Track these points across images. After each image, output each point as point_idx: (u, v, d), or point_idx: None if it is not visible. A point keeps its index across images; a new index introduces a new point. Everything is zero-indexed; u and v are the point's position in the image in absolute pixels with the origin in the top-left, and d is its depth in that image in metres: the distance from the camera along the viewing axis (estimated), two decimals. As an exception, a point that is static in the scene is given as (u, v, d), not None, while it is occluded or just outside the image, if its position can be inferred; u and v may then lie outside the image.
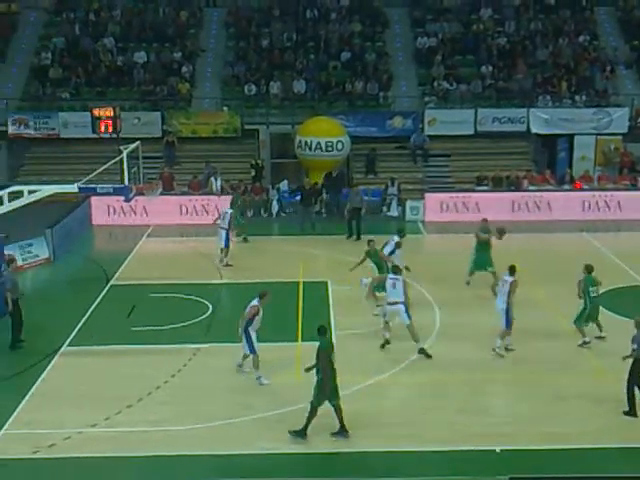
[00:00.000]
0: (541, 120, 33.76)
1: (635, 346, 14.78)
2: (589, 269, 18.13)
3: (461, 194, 29.95)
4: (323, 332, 14.40)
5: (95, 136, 23.83)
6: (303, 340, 18.30)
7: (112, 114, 22.00)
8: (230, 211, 24.56)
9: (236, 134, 34.20)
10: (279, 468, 13.23)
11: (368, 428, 14.43)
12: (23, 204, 20.30)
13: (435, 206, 29.59)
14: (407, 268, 20.06)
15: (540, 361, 17.21)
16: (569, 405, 15.28)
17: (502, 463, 13.29)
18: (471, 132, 33.90)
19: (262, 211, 30.67)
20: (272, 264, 23.90)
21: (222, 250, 24.06)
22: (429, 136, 33.65)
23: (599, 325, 18.30)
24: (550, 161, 34.15)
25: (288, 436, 13.94)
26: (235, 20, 38.94)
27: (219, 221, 24.49)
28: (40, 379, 16.53)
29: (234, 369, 16.73)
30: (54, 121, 33.86)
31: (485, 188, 31.18)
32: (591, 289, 17.94)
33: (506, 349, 17.58)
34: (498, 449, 13.70)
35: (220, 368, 16.96)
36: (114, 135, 22.78)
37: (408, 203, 29.97)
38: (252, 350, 16.18)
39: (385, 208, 30.69)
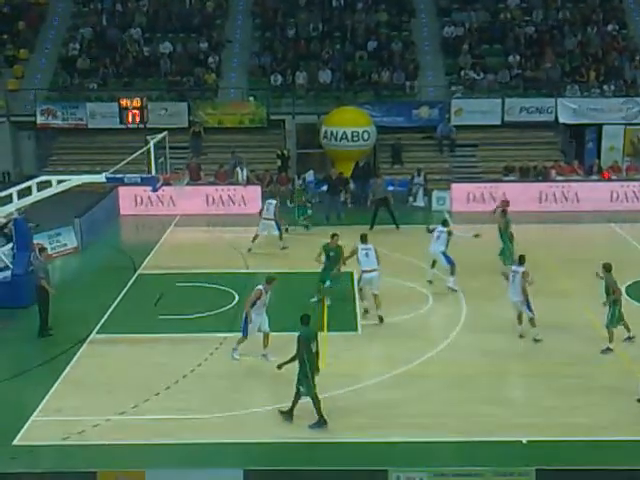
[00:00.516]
0: (569, 110, 33.49)
1: None
2: (608, 268, 17.28)
3: (488, 184, 29.77)
4: (306, 321, 14.46)
5: (122, 126, 24.01)
6: (328, 330, 18.34)
7: (139, 104, 22.13)
8: (274, 202, 24.52)
9: (262, 124, 34.25)
10: (301, 457, 13.28)
11: (392, 418, 14.46)
12: (52, 194, 20.47)
13: (462, 196, 29.46)
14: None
15: (566, 352, 17.12)
16: (596, 396, 15.19)
17: (528, 454, 13.25)
18: (498, 122, 33.69)
19: (288, 201, 30.68)
20: (297, 254, 23.92)
21: (280, 237, 24.51)
22: (456, 126, 33.50)
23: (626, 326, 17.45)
24: (578, 151, 33.90)
25: (308, 425, 14.01)
26: (261, 10, 38.96)
27: (264, 213, 24.49)
28: (69, 367, 16.71)
29: (259, 359, 16.81)
30: (82, 111, 34.11)
31: (512, 178, 30.99)
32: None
33: (535, 340, 17.49)
34: (524, 440, 13.67)
35: (246, 357, 17.04)
36: (141, 125, 22.93)
37: (434, 193, 29.86)
38: (244, 332, 16.65)
39: (411, 198, 30.61)
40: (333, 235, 20.22)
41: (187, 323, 18.85)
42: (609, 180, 30.62)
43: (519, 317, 17.86)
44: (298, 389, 14.17)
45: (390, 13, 38.32)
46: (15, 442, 13.83)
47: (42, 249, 19.91)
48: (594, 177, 30.97)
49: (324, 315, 19.31)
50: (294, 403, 14.25)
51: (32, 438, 13.96)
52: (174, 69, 35.97)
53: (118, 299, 20.54)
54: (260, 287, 16.59)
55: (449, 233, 20.82)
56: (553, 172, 30.93)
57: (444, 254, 20.67)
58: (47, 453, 13.58)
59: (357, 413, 14.63)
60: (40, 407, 14.95)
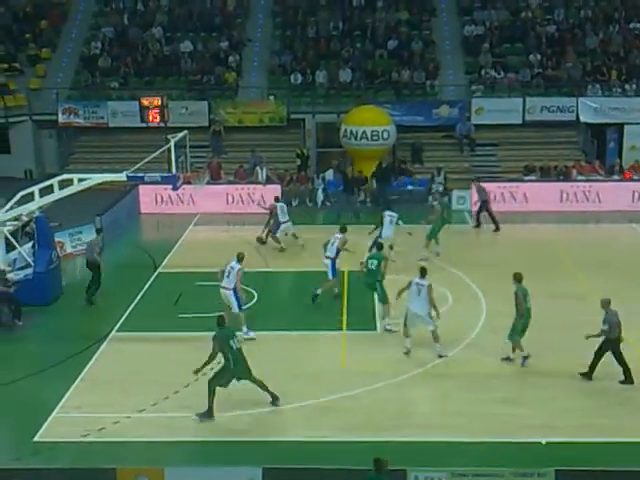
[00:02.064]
0: (590, 109, 33.28)
1: (605, 327, 15.32)
2: (519, 278, 16.58)
3: (509, 184, 29.64)
4: (221, 323, 14.76)
5: (143, 125, 24.07)
6: (348, 329, 18.36)
7: (160, 103, 22.17)
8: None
9: (282, 123, 34.27)
10: (319, 455, 13.30)
11: (410, 417, 14.48)
12: (73, 192, 20.60)
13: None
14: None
15: (586, 353, 17.00)
16: (615, 397, 15.13)
17: (548, 455, 13.21)
18: (519, 121, 33.53)
19: (307, 200, 30.74)
20: (316, 253, 23.91)
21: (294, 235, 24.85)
22: (476, 125, 33.37)
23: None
24: (599, 151, 33.68)
25: (332, 425, 14.03)
26: (282, 9, 39.02)
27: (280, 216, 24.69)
28: (90, 364, 16.84)
29: (279, 357, 16.87)
30: (103, 110, 34.30)
31: (533, 178, 30.85)
32: (527, 298, 16.46)
33: (440, 356, 16.82)
34: (544, 441, 13.63)
35: (265, 356, 17.06)
36: (162, 124, 22.98)
37: (455, 192, 29.79)
38: (241, 308, 17.86)
39: (431, 198, 30.51)
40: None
41: (207, 322, 18.87)
42: (631, 180, 30.41)
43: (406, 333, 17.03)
44: (209, 385, 14.48)
45: (411, 12, 38.24)
46: (36, 438, 13.97)
47: (99, 230, 21.91)
48: (615, 177, 30.77)
49: (343, 314, 19.32)
50: (211, 401, 14.51)
51: (53, 435, 14.09)
52: (195, 68, 36.09)
53: (138, 297, 20.65)
54: (239, 266, 17.96)
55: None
56: (574, 172, 30.76)
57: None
58: (67, 450, 13.69)
59: (376, 412, 14.65)
60: (61, 404, 15.09)
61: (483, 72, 35.16)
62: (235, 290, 17.94)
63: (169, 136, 20.80)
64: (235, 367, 14.45)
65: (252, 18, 39.35)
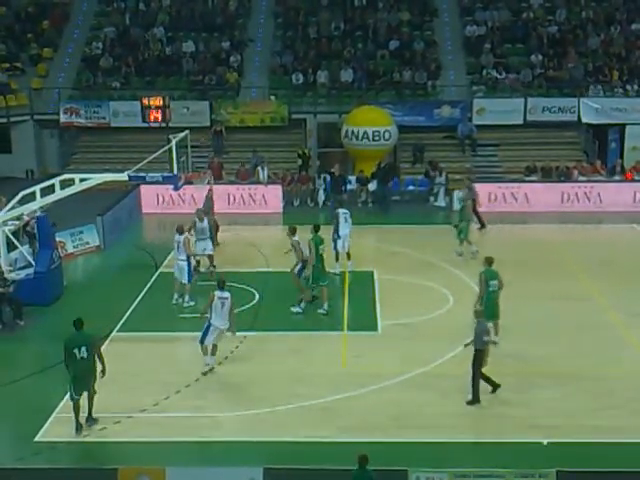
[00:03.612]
0: (592, 110, 33.26)
1: (486, 338, 14.93)
2: (489, 261, 17.24)
3: (510, 184, 29.62)
4: (78, 326, 14.34)
5: (145, 125, 24.09)
6: (349, 330, 18.36)
7: (161, 103, 22.17)
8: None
9: (283, 123, 34.27)
10: (320, 456, 13.30)
11: (412, 418, 14.47)
12: (74, 192, 20.61)
13: (483, 196, 29.28)
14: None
15: (589, 354, 17.03)
16: (618, 399, 15.11)
17: (549, 456, 13.21)
18: (520, 121, 33.52)
19: (309, 200, 30.74)
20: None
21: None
22: (477, 125, 33.36)
23: (497, 328, 17.09)
24: (601, 151, 33.63)
25: (332, 425, 14.01)
26: (283, 9, 39.01)
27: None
28: (91, 364, 16.81)
29: (280, 357, 16.86)
30: (105, 110, 34.31)
31: (534, 178, 30.83)
32: (491, 282, 17.06)
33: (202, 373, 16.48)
34: (545, 442, 13.63)
35: (266, 356, 17.11)
36: (163, 124, 22.98)
37: (455, 193, 29.75)
38: (190, 279, 19.82)
39: (432, 198, 30.55)
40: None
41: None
42: (632, 181, 30.38)
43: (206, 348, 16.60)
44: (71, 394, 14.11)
45: (412, 12, 38.23)
46: (37, 438, 13.98)
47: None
48: (617, 177, 30.73)
49: (344, 315, 19.32)
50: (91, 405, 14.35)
51: (54, 434, 14.10)
52: (196, 68, 36.09)
53: (139, 297, 20.64)
54: (182, 237, 19.77)
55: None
56: (575, 172, 30.73)
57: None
58: (68, 450, 13.70)
59: (377, 413, 14.65)
60: (62, 404, 15.06)
61: (484, 72, 35.16)
62: (189, 259, 19.81)
63: (171, 136, 20.80)
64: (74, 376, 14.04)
65: (254, 18, 39.35)
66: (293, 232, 20.02)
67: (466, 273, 21.41)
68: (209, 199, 25.13)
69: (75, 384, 14.02)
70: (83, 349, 14.00)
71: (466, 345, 15.24)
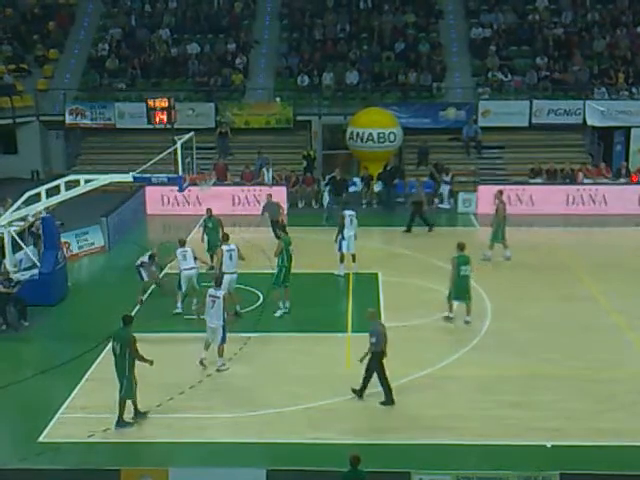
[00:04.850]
0: (597, 112, 33.24)
1: (373, 340, 14.88)
2: (461, 247, 18.57)
3: (515, 187, 29.61)
4: (129, 322, 14.59)
5: (150, 127, 24.15)
6: (353, 331, 18.36)
7: (167, 105, 22.24)
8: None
9: (288, 125, 34.30)
10: (324, 458, 13.28)
11: (416, 420, 14.45)
12: (80, 193, 20.65)
13: (488, 198, 29.19)
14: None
15: (593, 356, 17.01)
16: (622, 401, 15.09)
17: (553, 458, 13.19)
18: (526, 124, 33.51)
19: (313, 202, 30.76)
20: (322, 255, 23.94)
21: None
22: (483, 128, 33.35)
23: (469, 309, 18.56)
24: (606, 154, 33.63)
25: (335, 427, 14.00)
26: (289, 11, 39.05)
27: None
28: (95, 364, 16.84)
29: (284, 359, 16.85)
30: (110, 111, 34.38)
31: (539, 181, 30.82)
32: (462, 267, 18.33)
33: (218, 370, 16.58)
34: (549, 444, 13.61)
35: (270, 357, 17.11)
36: (168, 126, 23.05)
37: (460, 195, 29.77)
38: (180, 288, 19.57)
39: (437, 200, 30.52)
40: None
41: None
42: (637, 183, 30.32)
43: (207, 346, 16.72)
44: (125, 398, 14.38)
45: (417, 14, 38.25)
46: (41, 439, 14.00)
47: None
48: (622, 180, 30.71)
49: (348, 316, 19.33)
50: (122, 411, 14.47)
51: (57, 435, 14.12)
52: (202, 70, 36.14)
53: (144, 298, 20.65)
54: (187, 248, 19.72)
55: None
56: (580, 175, 30.72)
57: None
58: (72, 450, 13.70)
59: (381, 414, 14.64)
60: (66, 404, 15.11)
61: (490, 75, 35.13)
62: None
63: (176, 137, 20.84)
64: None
65: (259, 20, 39.40)
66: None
67: (472, 276, 21.36)
68: (273, 204, 25.13)
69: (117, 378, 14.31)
70: (117, 345, 14.30)
71: (363, 359, 15.11)
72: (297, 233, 26.57)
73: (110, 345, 14.50)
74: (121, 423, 14.33)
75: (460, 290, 18.49)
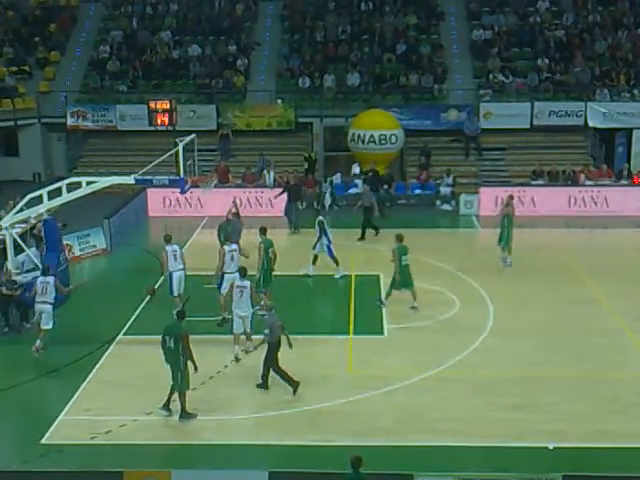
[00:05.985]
0: (599, 114, 33.23)
1: (267, 331, 15.26)
2: (400, 238, 19.43)
3: (516, 188, 29.55)
4: (182, 316, 14.84)
5: (151, 129, 24.11)
6: (355, 333, 18.36)
7: (168, 107, 22.22)
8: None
9: (290, 127, 34.31)
10: (326, 460, 13.27)
11: (418, 422, 14.45)
12: (81, 195, 20.65)
13: (490, 200, 29.28)
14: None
15: (595, 358, 17.00)
16: (624, 403, 15.08)
17: (555, 460, 13.18)
18: (527, 125, 33.51)
19: (315, 204, 30.73)
20: (323, 256, 23.93)
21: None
22: (484, 129, 33.34)
23: (414, 294, 19.40)
24: (607, 156, 33.60)
25: (333, 429, 14.00)
26: (290, 13, 39.07)
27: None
28: (97, 367, 16.87)
29: (287, 360, 16.83)
30: (112, 113, 34.40)
31: (541, 182, 30.81)
32: (403, 257, 19.26)
33: (246, 351, 17.19)
34: (551, 446, 13.59)
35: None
36: (170, 128, 23.01)
37: (462, 197, 29.76)
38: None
39: (438, 202, 30.52)
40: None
41: (214, 325, 18.93)
42: (639, 185, 30.33)
43: (237, 338, 17.19)
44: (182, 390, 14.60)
45: (419, 16, 38.27)
46: (43, 441, 14.00)
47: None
48: (624, 182, 30.71)
49: (350, 318, 19.33)
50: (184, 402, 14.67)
51: (60, 437, 14.12)
52: (203, 72, 36.17)
53: (146, 300, 20.66)
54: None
55: None
56: (582, 176, 30.71)
57: None
58: (74, 452, 13.71)
59: (383, 416, 14.64)
60: (68, 407, 15.12)
61: (491, 76, 35.14)
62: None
63: (177, 139, 20.83)
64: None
65: (260, 22, 39.43)
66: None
67: (474, 278, 21.40)
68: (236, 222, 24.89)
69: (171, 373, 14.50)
70: (171, 339, 14.47)
71: (255, 348, 16.15)
72: (297, 235, 26.68)
73: (160, 340, 14.65)
74: (185, 416, 14.51)
75: (405, 278, 19.38)
